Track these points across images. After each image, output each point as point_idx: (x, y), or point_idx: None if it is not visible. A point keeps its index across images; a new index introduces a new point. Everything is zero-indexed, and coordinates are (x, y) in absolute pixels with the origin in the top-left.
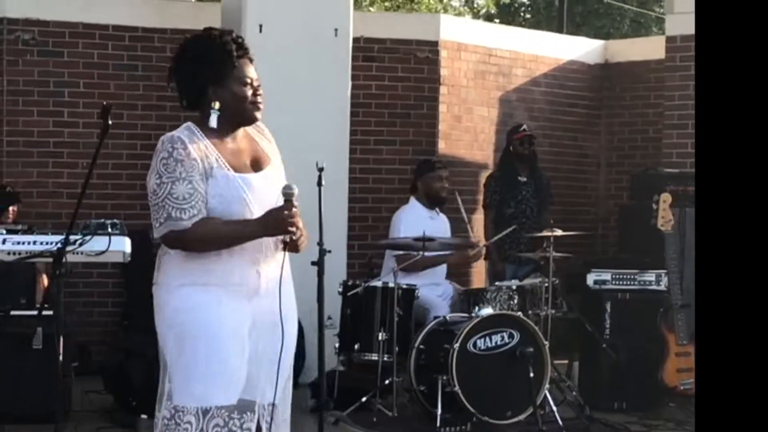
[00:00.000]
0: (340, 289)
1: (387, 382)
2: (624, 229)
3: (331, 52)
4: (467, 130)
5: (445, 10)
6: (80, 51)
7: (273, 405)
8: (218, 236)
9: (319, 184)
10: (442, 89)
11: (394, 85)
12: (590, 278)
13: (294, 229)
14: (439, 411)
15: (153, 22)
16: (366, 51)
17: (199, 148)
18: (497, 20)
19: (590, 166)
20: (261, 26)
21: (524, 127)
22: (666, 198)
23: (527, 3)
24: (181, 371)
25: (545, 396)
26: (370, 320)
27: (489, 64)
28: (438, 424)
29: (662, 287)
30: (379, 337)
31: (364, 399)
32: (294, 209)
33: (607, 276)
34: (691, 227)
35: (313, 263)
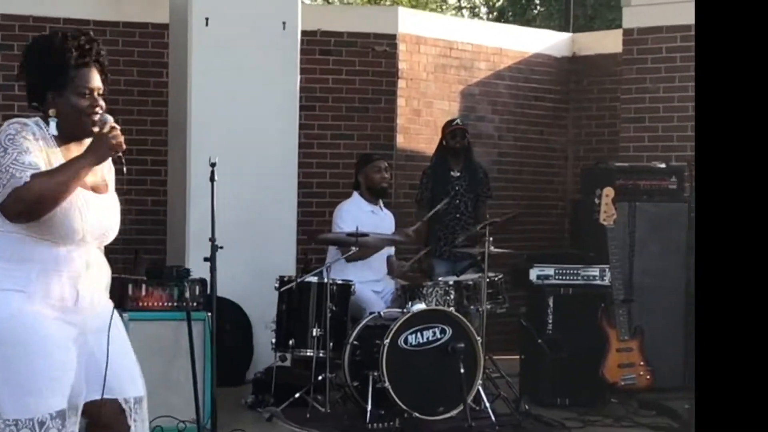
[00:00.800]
0: (277, 285)
1: (320, 378)
2: (575, 224)
3: (280, 46)
4: (427, 124)
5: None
6: None
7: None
8: (58, 181)
9: (212, 179)
10: (401, 83)
11: (351, 78)
12: (533, 273)
13: (122, 147)
14: (369, 407)
15: (105, 16)
16: (323, 44)
17: (46, 145)
18: (510, 13)
19: (557, 159)
20: (207, 19)
21: (457, 120)
22: (608, 192)
23: None
24: (10, 382)
25: (479, 391)
26: (305, 316)
27: (450, 57)
28: (367, 420)
29: (606, 282)
30: (313, 333)
31: (297, 395)
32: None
33: (550, 271)
34: (642, 222)
35: (205, 259)
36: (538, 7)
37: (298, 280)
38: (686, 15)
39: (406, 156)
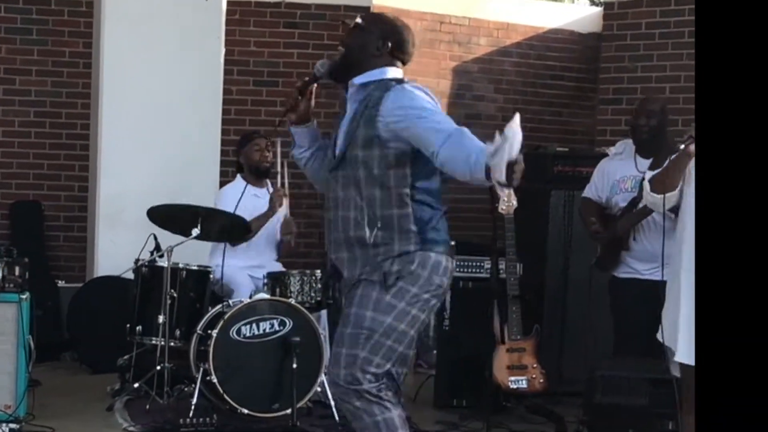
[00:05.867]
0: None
1: (159, 368)
2: (515, 213)
3: (201, 18)
4: None
5: None
6: None
7: None
8: None
9: None
10: None
11: (319, 53)
12: None
13: None
14: (194, 400)
15: None
16: (287, 17)
17: None
18: None
19: (580, 143)
20: None
21: None
22: None
23: None
24: None
25: (323, 389)
26: (155, 302)
27: (440, 32)
28: (190, 415)
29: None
30: (159, 320)
31: (136, 385)
32: None
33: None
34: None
35: None
36: None
37: (147, 263)
38: None
39: None
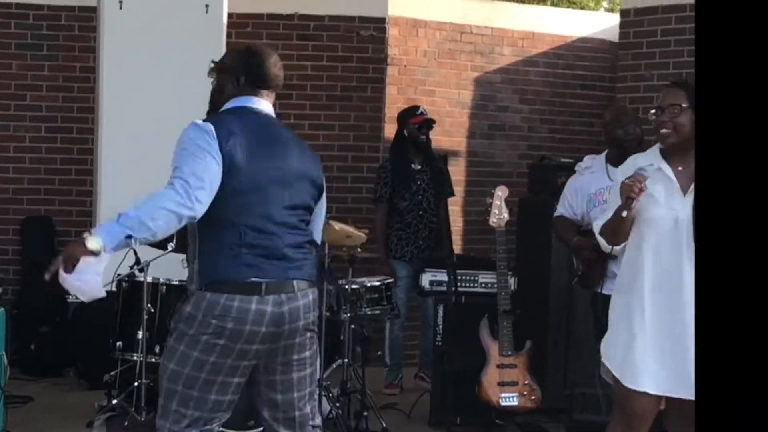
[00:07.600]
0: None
1: (136, 384)
2: (521, 225)
3: (202, 31)
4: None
5: None
6: None
7: None
8: None
9: None
10: (391, 70)
11: (333, 65)
12: (425, 279)
13: None
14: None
15: (60, 0)
16: (300, 29)
17: None
18: None
19: None
20: (121, 2)
21: (422, 109)
22: (502, 191)
23: None
24: None
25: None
26: (135, 317)
27: (460, 42)
28: None
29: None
30: (138, 336)
31: (115, 401)
32: None
33: (443, 276)
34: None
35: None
36: None
37: (125, 278)
38: None
39: None
